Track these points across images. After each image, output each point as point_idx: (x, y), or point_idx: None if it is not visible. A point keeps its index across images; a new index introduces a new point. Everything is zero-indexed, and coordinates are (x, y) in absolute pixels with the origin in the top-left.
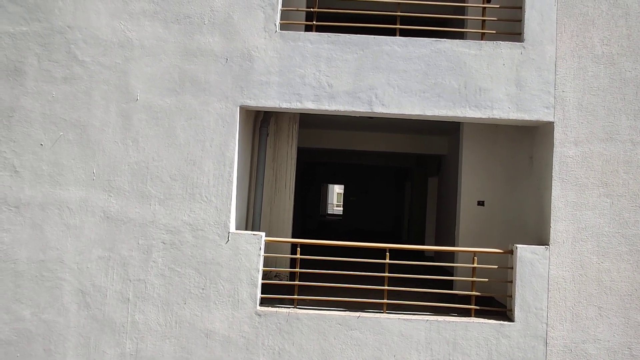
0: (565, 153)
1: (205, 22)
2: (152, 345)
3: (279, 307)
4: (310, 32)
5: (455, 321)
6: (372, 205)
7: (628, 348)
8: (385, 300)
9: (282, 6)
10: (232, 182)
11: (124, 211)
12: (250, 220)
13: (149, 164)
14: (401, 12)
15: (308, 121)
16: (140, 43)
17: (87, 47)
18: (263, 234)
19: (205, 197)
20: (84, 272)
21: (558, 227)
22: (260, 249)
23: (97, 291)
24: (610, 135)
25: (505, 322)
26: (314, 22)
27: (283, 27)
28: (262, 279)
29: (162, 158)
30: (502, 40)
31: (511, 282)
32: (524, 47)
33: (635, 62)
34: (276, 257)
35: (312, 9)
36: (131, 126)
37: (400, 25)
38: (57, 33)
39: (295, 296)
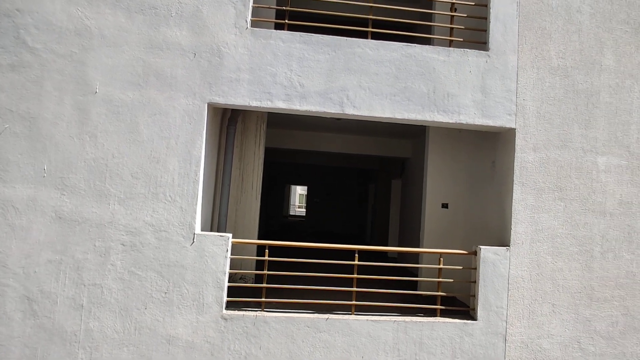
0: (525, 158)
1: (173, 15)
2: (108, 354)
3: (245, 310)
4: (282, 31)
5: (421, 321)
6: (336, 207)
7: (577, 342)
8: (354, 302)
9: (254, 3)
10: (198, 181)
11: (79, 211)
12: (216, 221)
13: (108, 161)
14: (373, 15)
15: (274, 121)
16: (99, 32)
17: (39, 33)
18: (230, 235)
19: (170, 196)
20: (30, 277)
21: (518, 229)
22: (227, 250)
23: (46, 297)
24: (564, 142)
25: (469, 321)
26: (286, 21)
27: (254, 24)
28: (228, 282)
29: (123, 155)
30: (469, 48)
31: (474, 282)
32: (489, 56)
33: (587, 75)
34: (242, 259)
35: (284, 7)
36: (89, 120)
37: (372, 28)
38: (4, 16)
39: (263, 299)
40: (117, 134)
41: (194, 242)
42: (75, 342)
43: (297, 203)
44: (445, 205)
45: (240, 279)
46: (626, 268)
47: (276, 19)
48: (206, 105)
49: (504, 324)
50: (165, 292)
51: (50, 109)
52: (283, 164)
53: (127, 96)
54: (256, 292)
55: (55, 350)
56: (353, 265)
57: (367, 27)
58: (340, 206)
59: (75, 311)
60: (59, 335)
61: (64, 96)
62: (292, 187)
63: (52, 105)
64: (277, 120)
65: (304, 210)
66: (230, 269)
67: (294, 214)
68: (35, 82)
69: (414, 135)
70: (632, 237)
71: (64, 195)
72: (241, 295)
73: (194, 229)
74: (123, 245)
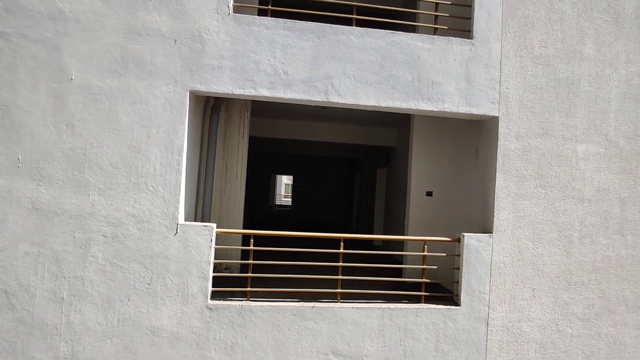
0: (507, 146)
1: None
2: (91, 346)
3: (231, 300)
4: (266, 17)
5: (406, 308)
6: (322, 196)
7: (555, 324)
8: (339, 290)
9: None
10: (180, 171)
11: (57, 202)
12: (200, 211)
13: (86, 151)
14: (357, 2)
15: (258, 110)
16: (74, 16)
17: (10, 17)
18: (214, 225)
19: (152, 186)
20: (7, 270)
21: (500, 216)
22: (211, 240)
23: (25, 291)
24: (545, 130)
25: (452, 307)
26: (269, 7)
27: (237, 9)
28: (213, 272)
29: (103, 144)
30: (453, 36)
31: (458, 268)
32: (473, 44)
33: (568, 64)
34: (226, 249)
35: None
36: (65, 109)
37: (357, 15)
38: None
39: (248, 288)
40: (95, 123)
41: (177, 232)
42: (57, 335)
43: (283, 193)
44: (429, 194)
45: (226, 268)
46: (602, 252)
47: (259, 4)
48: (188, 93)
49: (486, 308)
50: (149, 283)
51: (24, 97)
52: (269, 154)
53: (105, 84)
54: (242, 282)
55: (36, 344)
56: (338, 253)
57: (352, 14)
58: (327, 195)
59: (56, 304)
60: (39, 328)
61: (38, 83)
62: (278, 177)
63: (26, 92)
64: (262, 109)
65: (290, 200)
66: (216, 259)
67: (280, 203)
68: (7, 69)
69: (399, 124)
70: (608, 222)
71: (41, 186)
72: (227, 285)
73: (177, 219)
74: (104, 236)
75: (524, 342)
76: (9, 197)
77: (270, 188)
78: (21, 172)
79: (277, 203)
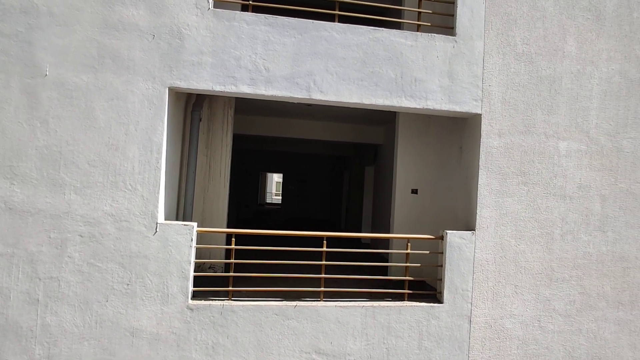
0: (490, 144)
1: None
2: (68, 348)
3: (212, 300)
4: (246, 12)
5: (389, 306)
6: (311, 193)
7: (537, 320)
8: (322, 289)
9: None
10: (160, 169)
11: (31, 201)
12: (182, 210)
13: (62, 149)
14: None
15: (245, 107)
16: (48, 10)
17: None
18: (195, 224)
19: (130, 185)
20: None
21: (483, 213)
22: (191, 240)
23: None
24: (528, 128)
25: (435, 304)
26: (250, 2)
27: (217, 4)
28: (196, 272)
29: (79, 142)
30: (437, 33)
31: (441, 266)
32: (455, 41)
33: (550, 62)
34: (210, 248)
35: None
36: (39, 105)
37: (339, 11)
38: None
39: (230, 288)
40: (71, 120)
41: (156, 231)
42: (32, 337)
43: (274, 191)
44: (414, 191)
45: (210, 267)
46: (583, 249)
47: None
48: (167, 89)
49: (469, 305)
50: (128, 284)
51: None
52: (257, 152)
53: (81, 79)
54: (224, 281)
55: (10, 347)
56: (321, 252)
57: (335, 10)
58: (315, 193)
59: (31, 306)
60: (13, 331)
61: (10, 79)
62: (269, 175)
63: None
64: (247, 107)
65: (281, 198)
66: (200, 258)
67: (271, 201)
68: None
69: (386, 121)
70: (589, 219)
71: (14, 184)
72: (211, 284)
73: (157, 218)
74: (81, 236)
75: (506, 338)
76: None
77: (259, 186)
78: None
79: (268, 201)
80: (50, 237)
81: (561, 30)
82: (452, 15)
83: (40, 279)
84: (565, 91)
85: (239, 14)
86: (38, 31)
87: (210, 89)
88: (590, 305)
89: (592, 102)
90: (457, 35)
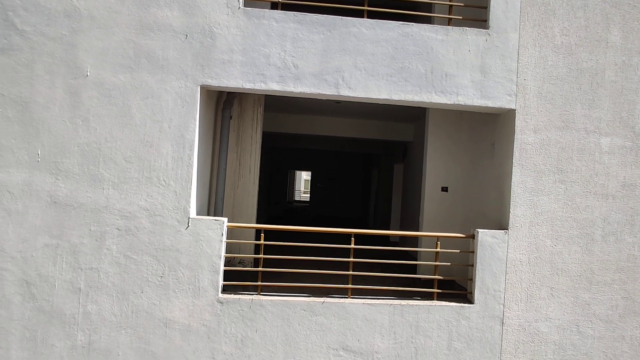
0: (525, 140)
1: None
2: (107, 336)
3: (242, 294)
4: (276, 10)
5: (418, 304)
6: (339, 191)
7: (576, 325)
8: (350, 286)
9: None
10: (192, 165)
11: (74, 195)
12: (212, 205)
13: (101, 145)
14: None
15: (275, 105)
16: (89, 14)
17: (28, 15)
18: (225, 219)
19: (164, 180)
20: (28, 261)
21: (517, 212)
22: (222, 234)
23: (44, 281)
24: (566, 123)
25: (466, 305)
26: (280, 0)
27: (247, 3)
28: (226, 266)
29: (116, 139)
30: (468, 27)
31: (472, 265)
32: (489, 34)
33: (591, 53)
34: (240, 243)
35: None
36: (81, 104)
37: (368, 7)
38: None
39: (259, 283)
40: (109, 118)
41: (188, 226)
42: (74, 324)
43: (302, 189)
44: (445, 189)
45: (239, 262)
46: (628, 251)
47: None
48: (199, 87)
49: (502, 307)
50: (161, 276)
51: (42, 93)
52: (286, 150)
53: (118, 79)
54: (254, 276)
55: (55, 333)
56: (349, 249)
57: (363, 6)
58: (344, 191)
59: (73, 294)
60: (57, 317)
61: (55, 79)
62: (298, 173)
63: (44, 89)
64: (277, 104)
65: (309, 195)
66: (230, 252)
67: (299, 199)
68: (25, 66)
69: (415, 118)
70: (634, 220)
71: (59, 180)
72: (240, 279)
73: (189, 213)
74: (118, 229)
75: (541, 342)
76: (29, 190)
77: (288, 184)
78: (40, 166)
79: (296, 199)
80: (90, 230)
81: (605, 20)
82: (484, 7)
83: (82, 269)
84: (609, 84)
85: (269, 12)
86: (80, 34)
87: (240, 86)
88: (635, 311)
89: (638, 95)
90: (490, 28)
